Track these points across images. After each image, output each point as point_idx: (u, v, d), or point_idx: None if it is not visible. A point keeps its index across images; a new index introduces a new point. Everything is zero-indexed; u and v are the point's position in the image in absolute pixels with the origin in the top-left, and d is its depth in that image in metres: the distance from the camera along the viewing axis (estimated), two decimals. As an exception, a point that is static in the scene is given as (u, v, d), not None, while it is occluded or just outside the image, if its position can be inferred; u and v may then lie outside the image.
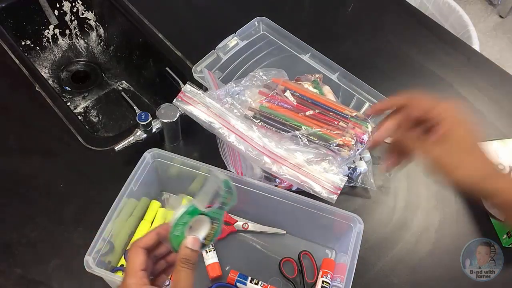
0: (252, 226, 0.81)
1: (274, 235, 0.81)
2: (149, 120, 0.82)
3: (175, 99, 0.78)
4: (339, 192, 0.71)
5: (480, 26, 2.55)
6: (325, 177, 0.72)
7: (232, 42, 1.02)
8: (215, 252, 0.77)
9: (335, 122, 0.83)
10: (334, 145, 0.79)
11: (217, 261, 0.76)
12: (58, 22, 1.21)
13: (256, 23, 1.06)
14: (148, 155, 0.76)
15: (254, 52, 1.02)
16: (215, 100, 0.79)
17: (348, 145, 0.80)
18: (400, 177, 0.90)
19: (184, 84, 0.97)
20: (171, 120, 0.83)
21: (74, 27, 1.25)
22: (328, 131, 0.82)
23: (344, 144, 0.80)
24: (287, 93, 0.85)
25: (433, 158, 0.55)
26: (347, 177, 0.72)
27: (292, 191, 0.75)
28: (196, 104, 0.77)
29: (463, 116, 0.57)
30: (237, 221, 0.81)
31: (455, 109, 0.57)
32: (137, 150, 0.80)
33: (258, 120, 0.79)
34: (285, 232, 0.81)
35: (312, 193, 0.71)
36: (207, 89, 0.88)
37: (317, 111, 0.83)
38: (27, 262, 0.75)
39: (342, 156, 0.79)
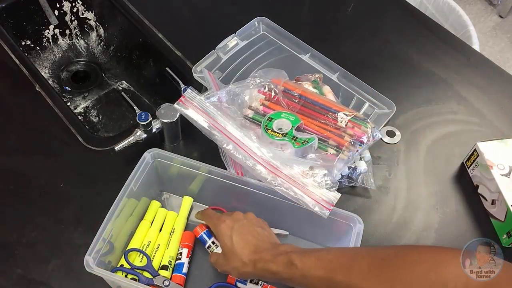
0: None
1: (277, 236, 0.81)
2: (149, 120, 0.82)
3: (176, 103, 0.78)
4: (332, 208, 0.71)
5: (480, 26, 2.55)
6: (320, 192, 0.72)
7: (232, 42, 1.02)
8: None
9: (334, 122, 0.83)
10: (329, 146, 0.80)
11: None
12: (58, 22, 1.21)
13: (256, 23, 1.06)
14: (148, 155, 0.76)
15: (254, 52, 1.02)
16: (215, 104, 0.80)
17: (343, 145, 0.80)
18: (400, 177, 0.90)
19: (184, 84, 0.97)
20: (171, 120, 0.83)
21: (74, 27, 1.25)
22: (327, 131, 0.82)
23: (339, 144, 0.80)
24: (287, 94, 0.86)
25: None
26: (340, 194, 0.72)
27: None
28: (196, 109, 0.77)
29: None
30: (238, 221, 0.81)
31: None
32: (137, 150, 0.80)
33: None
34: (287, 233, 0.81)
35: (305, 207, 0.71)
36: (207, 89, 0.88)
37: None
38: (27, 262, 0.75)
39: (341, 159, 0.78)
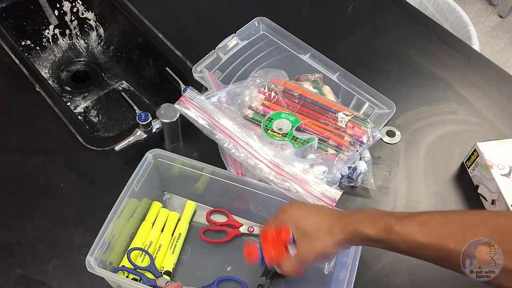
0: (257, 230, 0.80)
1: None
2: (149, 120, 0.82)
3: (176, 103, 0.78)
4: (334, 204, 0.71)
5: (480, 26, 2.55)
6: (322, 189, 0.72)
7: (232, 42, 1.02)
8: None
9: (334, 122, 0.83)
10: (329, 146, 0.80)
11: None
12: (58, 22, 1.21)
13: (256, 23, 1.06)
14: (150, 155, 0.76)
15: (254, 52, 1.02)
16: (215, 103, 0.80)
17: (342, 145, 0.80)
18: (400, 177, 0.90)
19: (185, 84, 0.97)
20: (171, 120, 0.83)
21: (74, 27, 1.25)
22: (326, 131, 0.82)
23: (339, 144, 0.80)
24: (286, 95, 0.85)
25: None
26: (342, 190, 0.72)
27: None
28: (197, 109, 0.77)
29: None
30: (242, 224, 0.81)
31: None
32: (137, 150, 0.80)
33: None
34: None
35: None
36: (207, 89, 0.88)
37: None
38: (27, 262, 0.75)
39: (340, 159, 0.78)
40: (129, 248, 0.75)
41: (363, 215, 0.60)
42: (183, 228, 0.79)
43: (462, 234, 0.52)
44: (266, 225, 0.67)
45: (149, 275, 0.72)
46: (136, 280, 0.71)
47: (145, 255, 0.74)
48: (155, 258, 0.75)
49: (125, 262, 0.74)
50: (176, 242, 0.77)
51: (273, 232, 0.64)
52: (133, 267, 0.72)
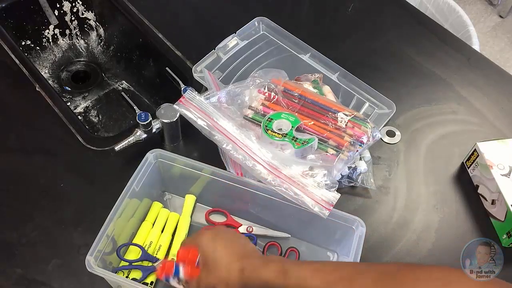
0: (256, 230, 0.81)
1: (279, 239, 0.81)
2: (149, 120, 0.82)
3: (176, 103, 0.78)
4: (331, 208, 0.71)
5: (480, 26, 2.55)
6: (319, 192, 0.72)
7: (232, 42, 1.02)
8: None
9: (334, 122, 0.83)
10: (329, 146, 0.80)
11: None
12: (58, 22, 1.21)
13: (256, 23, 1.06)
14: (151, 156, 0.76)
15: (254, 52, 1.02)
16: (215, 104, 0.80)
17: (342, 145, 0.80)
18: (400, 177, 0.90)
19: (185, 84, 0.97)
20: (171, 120, 0.83)
21: (74, 27, 1.25)
22: (326, 131, 0.82)
23: (339, 144, 0.80)
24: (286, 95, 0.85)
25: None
26: (339, 195, 0.72)
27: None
28: (196, 110, 0.77)
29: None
30: (241, 224, 0.81)
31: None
32: (137, 150, 0.80)
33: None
34: (289, 236, 0.81)
35: (304, 207, 0.71)
36: (207, 89, 0.88)
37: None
38: (27, 262, 0.75)
39: (340, 159, 0.78)
40: (117, 246, 0.74)
41: (262, 259, 0.61)
42: (185, 223, 0.79)
43: (350, 279, 0.54)
44: (183, 243, 0.70)
45: (147, 263, 0.72)
46: (136, 280, 0.71)
47: (137, 249, 0.75)
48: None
49: (124, 263, 0.74)
50: (175, 238, 0.77)
51: (184, 250, 0.66)
52: (127, 263, 0.72)
